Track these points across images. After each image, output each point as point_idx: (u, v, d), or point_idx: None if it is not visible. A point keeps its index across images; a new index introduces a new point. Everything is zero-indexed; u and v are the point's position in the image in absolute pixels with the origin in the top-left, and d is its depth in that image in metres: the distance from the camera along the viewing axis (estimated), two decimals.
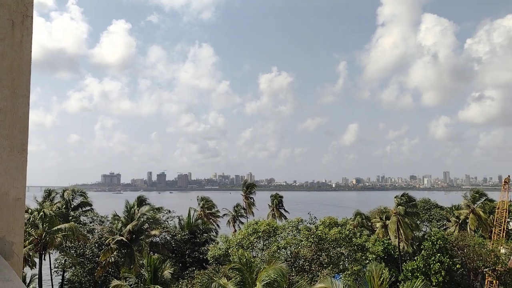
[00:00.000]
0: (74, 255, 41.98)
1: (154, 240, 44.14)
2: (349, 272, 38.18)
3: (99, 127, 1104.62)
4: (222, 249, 42.61)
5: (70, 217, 47.32)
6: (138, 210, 42.40)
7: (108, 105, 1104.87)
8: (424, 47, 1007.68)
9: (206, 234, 54.53)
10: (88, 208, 52.59)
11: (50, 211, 40.35)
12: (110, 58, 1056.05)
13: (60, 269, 46.55)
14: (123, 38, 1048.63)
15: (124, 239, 38.98)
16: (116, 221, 42.81)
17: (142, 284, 27.10)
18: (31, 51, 2.68)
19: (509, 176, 66.25)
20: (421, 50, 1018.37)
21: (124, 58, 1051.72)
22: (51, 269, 47.18)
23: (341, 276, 37.87)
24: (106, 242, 40.77)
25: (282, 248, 40.42)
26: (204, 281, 24.61)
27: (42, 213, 39.85)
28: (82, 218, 51.47)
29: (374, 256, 43.44)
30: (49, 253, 44.00)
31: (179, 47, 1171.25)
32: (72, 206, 51.17)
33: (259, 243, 42.30)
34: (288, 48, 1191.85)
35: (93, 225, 49.74)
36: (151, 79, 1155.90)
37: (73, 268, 42.91)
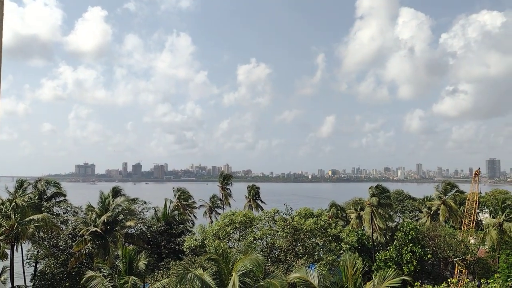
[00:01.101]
0: (47, 246, 41.29)
1: (129, 231, 43.76)
2: (323, 262, 38.76)
3: (73, 116, 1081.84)
4: (198, 240, 42.63)
5: (43, 208, 46.48)
6: (113, 201, 41.91)
7: (82, 94, 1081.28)
8: (401, 40, 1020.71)
9: (182, 225, 54.38)
10: (61, 199, 51.72)
11: (22, 202, 39.53)
12: (85, 46, 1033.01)
13: (32, 261, 45.77)
14: (98, 26, 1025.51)
15: (98, 230, 38.55)
16: (90, 212, 42.25)
17: (116, 275, 26.89)
18: (1, 37, 2.63)
19: (479, 168, 68.14)
20: (398, 44, 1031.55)
21: (100, 46, 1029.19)
22: (23, 261, 46.32)
23: (316, 266, 38.43)
24: (80, 233, 40.24)
25: (258, 238, 40.71)
26: (179, 272, 24.57)
27: (14, 203, 39.01)
28: (55, 209, 50.59)
29: (348, 246, 44.20)
30: (21, 244, 43.17)
31: (157, 35, 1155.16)
32: (45, 196, 50.25)
33: (236, 234, 42.48)
34: (267, 39, 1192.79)
35: (66, 216, 48.96)
36: (127, 68, 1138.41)
37: (46, 259, 42.20)
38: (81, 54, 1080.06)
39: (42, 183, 50.69)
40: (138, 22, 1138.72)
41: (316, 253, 41.55)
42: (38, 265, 45.25)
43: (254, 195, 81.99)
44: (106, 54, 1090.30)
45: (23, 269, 46.73)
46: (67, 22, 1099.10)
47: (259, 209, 76.56)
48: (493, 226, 52.44)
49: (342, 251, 40.61)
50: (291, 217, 43.63)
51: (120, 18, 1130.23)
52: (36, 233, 42.10)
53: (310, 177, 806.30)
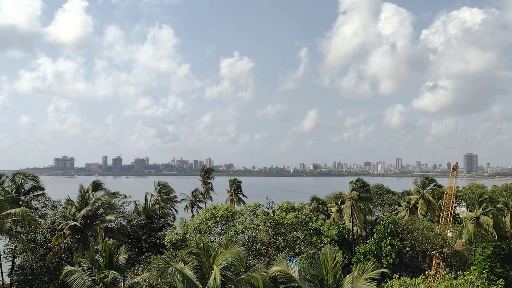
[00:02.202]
0: (25, 240, 40.60)
1: (109, 226, 43.32)
2: (304, 255, 39.06)
3: (53, 108, 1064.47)
4: (180, 234, 42.48)
5: (21, 202, 45.62)
6: (92, 195, 41.36)
7: (62, 86, 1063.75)
8: (383, 36, 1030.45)
9: (163, 219, 54.10)
10: (40, 192, 50.84)
11: None
12: (65, 37, 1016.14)
13: (10, 255, 44.96)
14: (79, 17, 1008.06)
15: (78, 224, 38.04)
16: (69, 206, 41.65)
17: (96, 270, 26.65)
18: None
19: (457, 163, 69.51)
20: (380, 39, 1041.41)
21: (80, 38, 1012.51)
22: (0, 255, 45.51)
23: (296, 259, 38.71)
24: (59, 227, 39.67)
25: (240, 232, 40.77)
26: (160, 266, 24.46)
27: None
28: (33, 202, 49.70)
29: (328, 239, 44.59)
30: None
31: (138, 27, 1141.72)
32: (23, 190, 49.35)
33: (217, 227, 42.46)
34: (251, 33, 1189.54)
35: (45, 210, 48.16)
36: (108, 60, 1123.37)
37: (24, 254, 41.52)
38: (61, 46, 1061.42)
39: (19, 176, 49.73)
40: (120, 14, 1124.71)
41: (297, 247, 41.83)
42: (15, 260, 44.50)
43: (236, 189, 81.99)
44: (87, 46, 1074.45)
45: (0, 263, 45.90)
46: (46, 13, 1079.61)
47: (241, 203, 76.61)
48: (470, 220, 53.53)
49: (322, 245, 40.97)
50: (272, 211, 43.79)
51: (101, 9, 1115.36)
52: (14, 228, 41.38)
53: (291, 171, 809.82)
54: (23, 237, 41.56)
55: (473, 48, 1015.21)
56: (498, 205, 56.73)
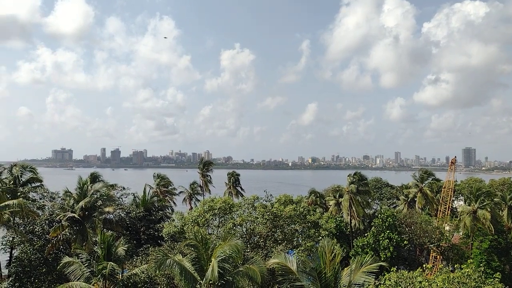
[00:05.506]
0: (23, 232, 40.58)
1: (107, 217, 43.30)
2: (302, 248, 39.11)
3: (51, 100, 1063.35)
4: (178, 226, 42.50)
5: (19, 193, 45.56)
6: (91, 187, 41.32)
7: (61, 78, 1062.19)
8: (386, 28, 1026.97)
9: (161, 212, 54.10)
10: (38, 184, 50.71)
11: None
12: (65, 28, 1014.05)
13: (8, 246, 44.97)
14: (79, 7, 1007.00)
15: (76, 216, 38.03)
16: (68, 198, 41.61)
17: (94, 261, 26.69)
18: None
19: (455, 157, 69.53)
20: (383, 32, 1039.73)
21: (80, 29, 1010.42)
22: None
23: (294, 252, 38.78)
24: (57, 218, 39.66)
25: (238, 225, 40.78)
26: (158, 257, 24.53)
27: None
28: (31, 194, 49.64)
29: (327, 232, 44.62)
30: None
31: (140, 19, 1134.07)
32: (21, 182, 49.24)
33: (215, 220, 42.48)
34: (252, 25, 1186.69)
35: (43, 202, 48.11)
36: (108, 52, 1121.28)
37: (22, 245, 41.51)
38: (60, 36, 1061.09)
39: (17, 168, 49.58)
40: (121, 5, 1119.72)
41: (295, 239, 41.89)
42: (13, 251, 44.51)
43: (234, 182, 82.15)
44: (87, 37, 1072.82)
45: None
46: (46, 3, 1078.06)
47: (239, 196, 76.84)
48: (467, 214, 53.71)
49: (320, 238, 41.02)
50: (270, 203, 43.80)
51: (102, 0, 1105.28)
52: (12, 219, 41.35)
53: (290, 165, 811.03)
54: (21, 228, 41.54)
55: (475, 41, 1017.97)
56: (495, 199, 56.95)
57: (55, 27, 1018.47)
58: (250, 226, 41.34)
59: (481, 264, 44.31)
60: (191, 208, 68.64)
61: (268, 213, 40.89)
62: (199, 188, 79.03)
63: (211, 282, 22.01)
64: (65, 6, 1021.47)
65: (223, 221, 41.80)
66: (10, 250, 45.02)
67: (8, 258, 45.20)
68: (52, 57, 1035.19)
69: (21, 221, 42.83)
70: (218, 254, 22.98)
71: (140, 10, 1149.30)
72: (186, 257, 24.18)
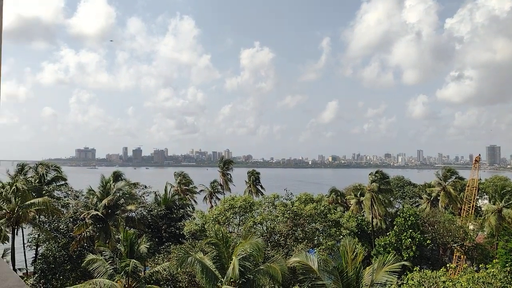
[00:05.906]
0: (48, 229, 41.45)
1: (130, 215, 43.91)
2: (323, 246, 38.93)
3: (75, 100, 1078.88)
4: (199, 224, 42.80)
5: (44, 192, 46.56)
6: (113, 185, 41.95)
7: (84, 78, 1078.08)
8: (408, 24, 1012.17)
9: (182, 210, 54.56)
10: (62, 182, 51.76)
11: (23, 186, 39.60)
12: (88, 29, 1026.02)
13: (33, 244, 46.00)
14: (102, 8, 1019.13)
15: (99, 213, 38.65)
16: (91, 196, 42.33)
17: (117, 258, 27.04)
18: (1, 19, 2.52)
19: (479, 155, 68.07)
20: (404, 28, 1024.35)
21: (103, 29, 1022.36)
22: (24, 244, 46.61)
23: (315, 250, 38.62)
24: (81, 216, 40.39)
25: (258, 223, 40.84)
26: (180, 255, 24.71)
27: (14, 187, 39.08)
28: (56, 192, 50.69)
29: (348, 231, 44.35)
30: (22, 227, 43.36)
31: (161, 19, 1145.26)
32: (46, 180, 50.32)
33: (236, 218, 42.65)
34: (271, 23, 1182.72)
35: (67, 200, 49.08)
36: (129, 52, 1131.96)
37: (47, 242, 42.41)
38: (83, 37, 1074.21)
39: (42, 167, 50.67)
40: (142, 5, 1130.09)
41: (315, 238, 41.73)
42: (39, 248, 45.51)
43: (254, 180, 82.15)
44: (109, 38, 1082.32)
45: (24, 252, 47.03)
46: (69, 4, 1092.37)
47: (259, 194, 76.78)
48: (492, 212, 52.59)
49: (341, 236, 40.76)
50: (291, 202, 43.72)
51: (124, 1, 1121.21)
52: (37, 217, 42.27)
53: (310, 163, 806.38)
54: (46, 226, 42.46)
55: (500, 36, 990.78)
56: None
57: (78, 28, 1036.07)
58: (270, 224, 41.35)
59: (507, 264, 43.37)
60: (212, 206, 68.97)
61: (288, 212, 40.82)
62: (219, 187, 79.31)
63: (232, 280, 22.09)
64: (88, 7, 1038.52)
65: (243, 220, 41.92)
66: (35, 247, 46.05)
67: (34, 255, 46.22)
68: (75, 58, 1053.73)
69: (46, 219, 43.77)
70: (239, 252, 23.04)
71: (161, 10, 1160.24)
72: (207, 255, 24.32)
